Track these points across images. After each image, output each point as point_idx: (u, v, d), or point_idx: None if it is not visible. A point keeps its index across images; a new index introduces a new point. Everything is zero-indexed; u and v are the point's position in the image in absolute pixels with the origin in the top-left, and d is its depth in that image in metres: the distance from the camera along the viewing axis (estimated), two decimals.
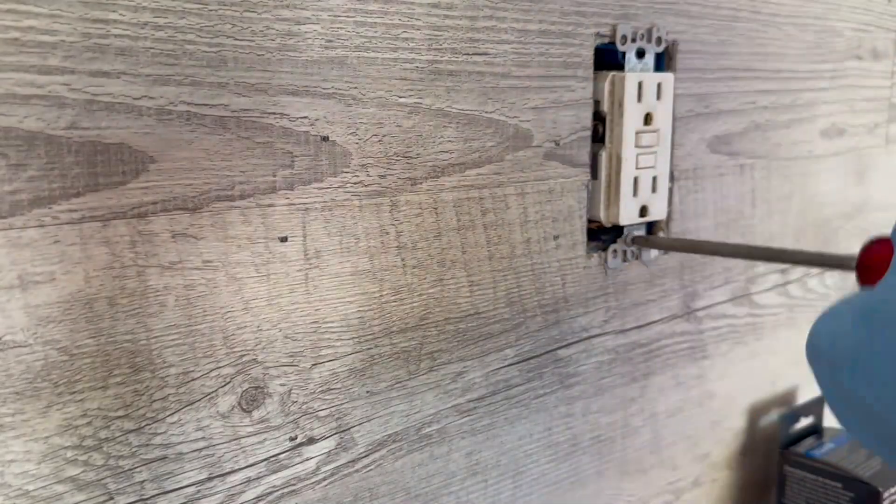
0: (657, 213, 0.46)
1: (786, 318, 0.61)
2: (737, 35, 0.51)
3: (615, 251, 0.46)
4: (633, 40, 0.44)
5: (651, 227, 0.48)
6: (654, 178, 0.45)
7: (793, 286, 0.61)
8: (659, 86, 0.44)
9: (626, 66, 0.44)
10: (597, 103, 0.43)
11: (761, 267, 0.58)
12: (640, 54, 0.45)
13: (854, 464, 0.56)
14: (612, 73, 0.43)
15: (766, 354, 0.60)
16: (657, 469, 0.54)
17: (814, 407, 0.62)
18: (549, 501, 0.46)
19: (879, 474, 0.55)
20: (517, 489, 0.45)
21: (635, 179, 0.44)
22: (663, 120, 0.45)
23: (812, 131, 0.59)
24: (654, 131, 0.44)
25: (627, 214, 0.44)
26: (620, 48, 0.43)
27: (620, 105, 0.43)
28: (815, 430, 0.62)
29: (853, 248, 0.67)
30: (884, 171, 0.68)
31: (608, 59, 0.43)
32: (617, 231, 0.47)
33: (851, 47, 0.61)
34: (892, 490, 0.54)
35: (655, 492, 0.54)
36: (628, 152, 0.43)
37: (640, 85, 0.43)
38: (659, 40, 0.45)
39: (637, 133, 0.43)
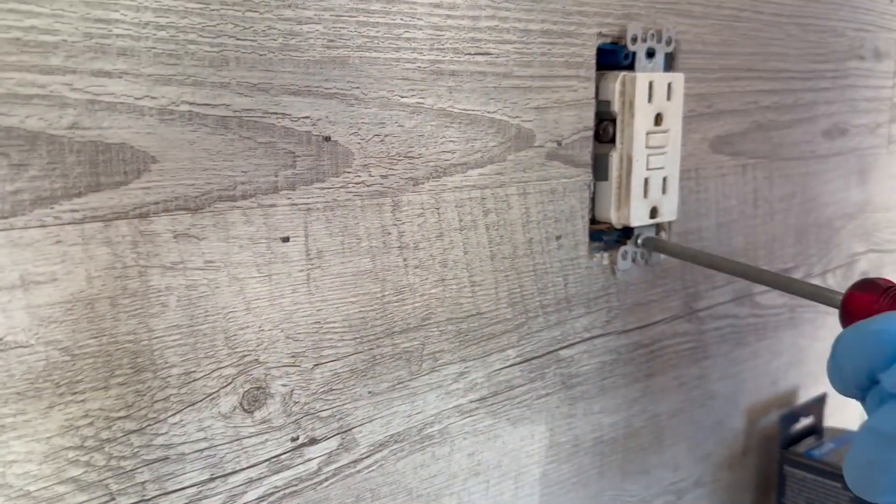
0: (668, 214, 0.46)
1: (787, 318, 0.61)
2: (738, 35, 0.51)
3: (625, 253, 0.46)
4: (644, 40, 0.44)
5: (656, 227, 0.48)
6: (665, 179, 0.45)
7: None
8: (669, 86, 0.44)
9: (637, 67, 0.44)
10: (605, 104, 0.43)
11: (763, 267, 0.58)
12: (650, 54, 0.44)
13: None
14: (622, 74, 0.43)
15: (767, 355, 0.60)
16: (659, 469, 0.53)
17: (814, 407, 0.62)
18: (550, 502, 0.46)
19: None
20: (519, 489, 0.44)
21: (646, 180, 0.44)
22: (673, 120, 0.45)
23: (814, 131, 0.59)
24: (664, 132, 0.44)
25: (638, 216, 0.44)
26: (631, 48, 0.43)
27: (631, 105, 0.43)
28: (815, 430, 0.62)
29: (854, 248, 0.67)
30: (885, 171, 0.68)
31: (609, 59, 0.43)
32: (621, 231, 0.47)
33: (853, 47, 0.61)
34: None
35: (657, 492, 0.54)
36: (639, 153, 0.43)
37: (650, 85, 0.43)
38: (669, 40, 0.45)
39: (647, 134, 0.43)
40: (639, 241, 0.46)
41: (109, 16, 0.27)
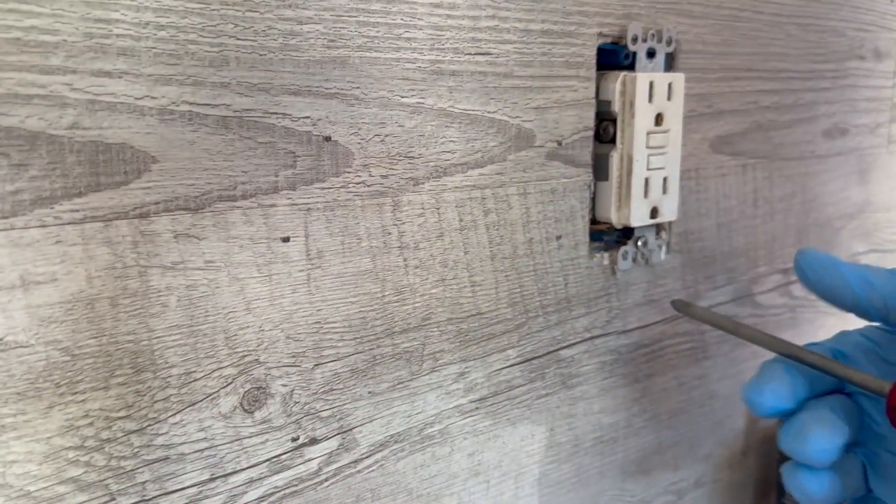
0: (668, 214, 0.46)
1: (788, 318, 0.61)
2: (739, 35, 0.51)
3: (625, 253, 0.46)
4: (644, 40, 0.44)
5: (657, 227, 0.48)
6: (665, 179, 0.45)
7: (795, 286, 0.61)
8: (669, 86, 0.44)
9: (637, 67, 0.44)
10: (606, 104, 0.43)
11: (763, 267, 0.58)
12: (651, 54, 0.44)
13: None
14: (623, 74, 0.42)
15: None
16: (659, 470, 0.53)
17: None
18: (550, 502, 0.46)
19: None
20: (519, 489, 0.44)
21: (646, 181, 0.44)
22: (674, 120, 0.45)
23: (814, 131, 0.59)
24: (664, 132, 0.44)
25: (638, 216, 0.44)
26: (631, 48, 0.43)
27: (632, 106, 0.42)
28: None
29: (854, 248, 0.67)
30: (886, 171, 0.68)
31: (610, 59, 0.43)
32: (621, 232, 0.47)
33: (853, 47, 0.61)
34: None
35: (658, 492, 0.54)
36: (639, 153, 0.43)
37: (651, 85, 0.43)
38: (669, 40, 0.45)
39: (648, 134, 0.43)
40: (638, 242, 0.46)
41: (110, 16, 0.27)
